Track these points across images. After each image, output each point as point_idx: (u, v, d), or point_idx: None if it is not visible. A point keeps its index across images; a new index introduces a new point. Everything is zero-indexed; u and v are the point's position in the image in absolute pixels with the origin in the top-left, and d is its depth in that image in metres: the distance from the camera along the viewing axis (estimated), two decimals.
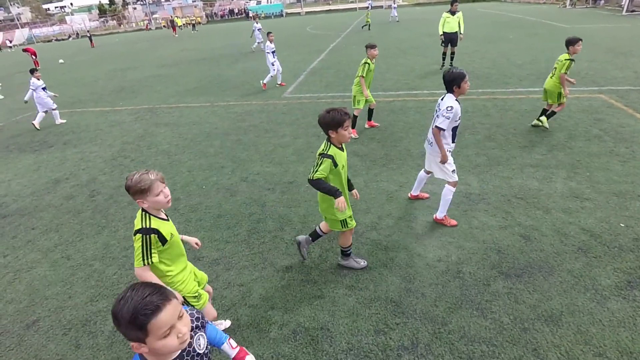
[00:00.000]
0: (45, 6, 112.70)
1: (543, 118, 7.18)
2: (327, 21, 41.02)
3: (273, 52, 12.18)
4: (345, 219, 3.65)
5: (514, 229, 4.45)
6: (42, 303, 4.03)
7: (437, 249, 4.25)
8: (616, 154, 6.02)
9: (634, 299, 3.35)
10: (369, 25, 28.36)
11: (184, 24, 55.57)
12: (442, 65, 13.05)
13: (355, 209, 5.17)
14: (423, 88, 10.82)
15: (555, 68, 6.83)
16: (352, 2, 69.12)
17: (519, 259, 3.97)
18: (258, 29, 21.17)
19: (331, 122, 3.24)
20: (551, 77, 6.94)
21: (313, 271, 4.08)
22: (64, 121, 10.98)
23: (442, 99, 4.44)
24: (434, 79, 11.70)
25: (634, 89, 8.97)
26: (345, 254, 4.02)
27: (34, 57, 26.46)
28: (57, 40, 66.20)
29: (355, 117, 7.52)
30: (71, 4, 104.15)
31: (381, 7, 55.74)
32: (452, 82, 4.21)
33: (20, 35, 66.67)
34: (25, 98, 10.71)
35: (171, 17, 56.77)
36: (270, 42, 12.19)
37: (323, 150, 3.36)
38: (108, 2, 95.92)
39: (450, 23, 12.40)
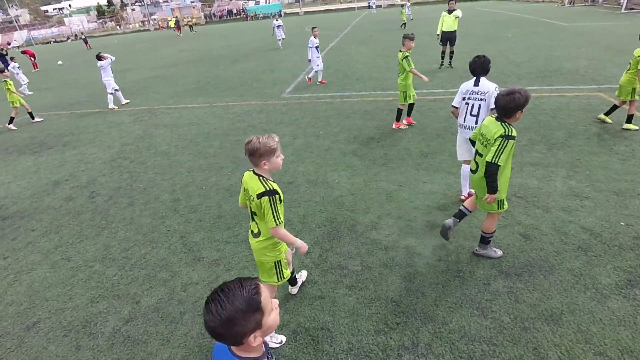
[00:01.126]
0: (43, 8, 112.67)
1: (603, 116, 7.19)
2: (326, 21, 40.98)
3: (317, 47, 12.05)
4: (503, 199, 3.63)
5: (513, 228, 4.45)
6: (43, 305, 4.03)
7: (437, 248, 4.24)
8: (616, 152, 6.02)
9: (634, 297, 3.35)
10: (405, 23, 27.16)
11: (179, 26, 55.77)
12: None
13: (354, 208, 5.17)
14: (422, 87, 10.80)
15: (630, 63, 6.59)
16: (350, 1, 69.12)
17: (519, 258, 3.97)
18: (277, 26, 21.87)
19: (519, 104, 3.22)
20: (626, 73, 6.70)
21: (313, 271, 4.08)
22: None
23: (476, 84, 4.64)
24: (434, 78, 11.70)
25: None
26: (486, 241, 3.92)
27: (32, 59, 26.49)
28: (55, 42, 66.17)
29: (400, 111, 7.69)
30: (69, 5, 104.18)
31: (380, 6, 55.67)
32: (487, 67, 4.62)
33: (18, 37, 66.68)
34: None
35: (176, 17, 56.79)
36: (315, 37, 11.92)
37: (505, 132, 3.27)
38: (106, 4, 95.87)
39: (448, 22, 12.40)
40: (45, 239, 5.26)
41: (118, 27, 75.74)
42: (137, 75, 18.22)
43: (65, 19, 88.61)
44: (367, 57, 16.44)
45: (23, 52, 27.55)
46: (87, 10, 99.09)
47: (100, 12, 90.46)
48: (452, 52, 12.83)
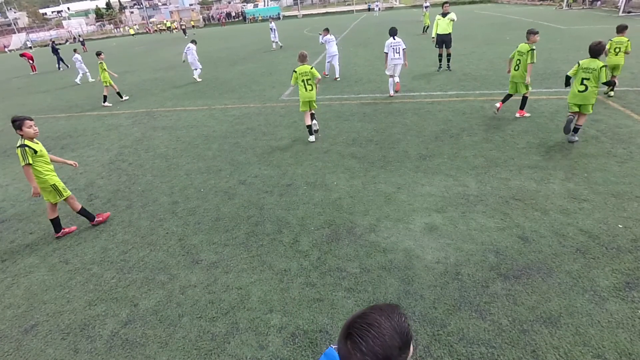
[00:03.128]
0: (42, 11, 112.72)
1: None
2: (325, 23, 41.03)
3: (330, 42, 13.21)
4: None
5: (512, 231, 4.46)
6: (41, 307, 4.02)
7: (436, 250, 4.25)
8: (614, 155, 6.04)
9: (632, 300, 3.36)
10: (427, 27, 24.56)
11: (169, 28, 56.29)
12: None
13: (353, 210, 5.18)
14: (421, 90, 10.84)
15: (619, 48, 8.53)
16: (348, 4, 69.33)
17: (517, 261, 3.97)
18: (271, 28, 23.61)
19: (603, 47, 6.27)
20: (615, 55, 8.60)
21: (312, 274, 4.08)
22: None
23: (394, 39, 9.94)
24: (432, 80, 11.74)
25: (631, 90, 9.02)
26: (578, 130, 6.62)
27: (30, 62, 26.44)
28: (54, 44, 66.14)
29: (526, 99, 8.09)
30: (68, 8, 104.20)
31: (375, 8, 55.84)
32: (396, 31, 9.87)
33: (17, 40, 66.70)
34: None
35: (181, 19, 57.08)
36: (328, 35, 13.31)
37: (604, 64, 6.10)
38: (105, 7, 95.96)
39: (442, 25, 12.51)
40: (43, 242, 5.25)
41: (116, 29, 75.81)
42: (136, 78, 18.23)
43: (64, 22, 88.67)
44: (365, 60, 16.47)
45: (21, 55, 27.51)
46: (85, 13, 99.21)
47: (99, 14, 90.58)
48: (449, 55, 12.86)
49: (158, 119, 10.63)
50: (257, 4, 79.48)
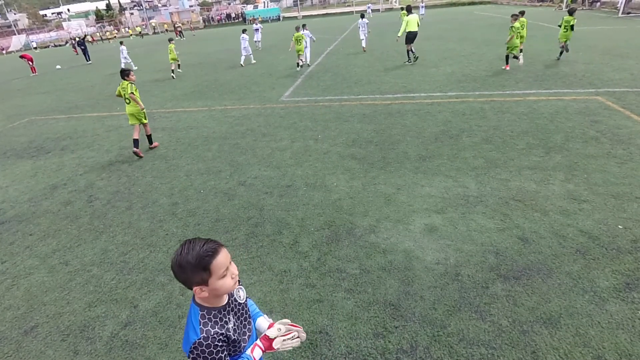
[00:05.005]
0: (42, 12, 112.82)
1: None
2: (324, 25, 41.13)
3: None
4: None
5: (512, 232, 4.46)
6: (40, 309, 4.02)
7: (436, 251, 4.25)
8: (613, 155, 6.04)
9: (632, 300, 3.36)
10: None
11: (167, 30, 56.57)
12: (409, 60, 15.00)
13: (353, 211, 5.18)
14: (420, 91, 10.85)
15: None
16: (348, 5, 69.38)
17: (517, 262, 3.97)
18: (255, 29, 24.94)
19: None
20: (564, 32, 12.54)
21: (312, 275, 4.08)
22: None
23: (362, 19, 18.38)
24: (432, 82, 11.75)
25: (631, 91, 9.02)
26: None
27: (30, 64, 26.47)
28: (55, 46, 66.28)
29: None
30: (68, 9, 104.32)
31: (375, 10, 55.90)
32: (364, 14, 14.75)
33: (17, 41, 66.74)
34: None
35: (175, 23, 57.22)
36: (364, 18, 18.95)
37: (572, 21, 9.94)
38: (105, 8, 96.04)
39: (412, 23, 14.49)
40: (43, 243, 5.24)
41: (116, 31, 75.84)
42: (136, 79, 18.22)
43: (64, 23, 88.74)
44: (364, 61, 16.48)
45: (21, 57, 27.56)
46: (85, 15, 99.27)
47: (99, 16, 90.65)
48: (411, 49, 14.97)
49: (158, 120, 10.63)
50: (257, 5, 79.53)
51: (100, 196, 6.45)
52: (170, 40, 18.36)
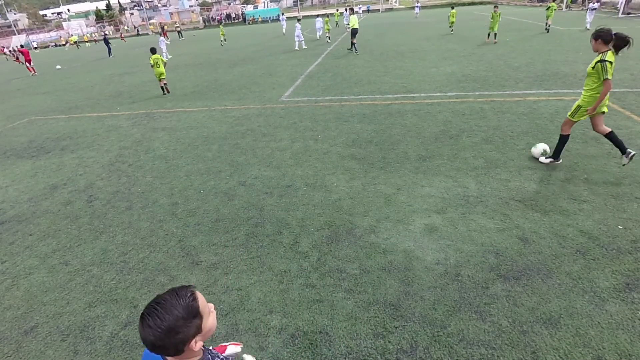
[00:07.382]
0: (42, 12, 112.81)
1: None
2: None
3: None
4: None
5: (512, 232, 4.46)
6: (40, 309, 4.02)
7: (436, 252, 4.25)
8: (613, 156, 6.04)
9: (632, 301, 3.36)
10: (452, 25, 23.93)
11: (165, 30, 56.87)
12: (350, 50, 19.31)
13: (353, 212, 5.18)
14: (420, 91, 10.85)
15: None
16: (348, 5, 69.37)
17: (517, 262, 3.97)
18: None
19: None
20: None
21: (312, 275, 4.08)
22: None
23: (347, 22, 22.32)
24: (432, 82, 11.75)
25: (631, 91, 9.02)
26: None
27: (27, 64, 26.26)
28: (55, 45, 66.32)
29: None
30: (68, 9, 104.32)
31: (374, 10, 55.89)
32: (353, 8, 21.77)
33: (17, 41, 66.78)
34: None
35: (174, 23, 57.24)
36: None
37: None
38: (105, 8, 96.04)
39: (353, 21, 19.13)
40: (43, 243, 5.24)
41: (117, 30, 75.86)
42: (136, 79, 18.25)
43: (64, 23, 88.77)
44: (364, 61, 16.49)
45: (18, 51, 27.82)
46: (85, 15, 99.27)
47: (99, 16, 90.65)
48: (355, 42, 18.98)
49: (158, 120, 10.63)
50: (257, 5, 79.56)
51: (100, 196, 6.45)
52: (153, 50, 13.82)
